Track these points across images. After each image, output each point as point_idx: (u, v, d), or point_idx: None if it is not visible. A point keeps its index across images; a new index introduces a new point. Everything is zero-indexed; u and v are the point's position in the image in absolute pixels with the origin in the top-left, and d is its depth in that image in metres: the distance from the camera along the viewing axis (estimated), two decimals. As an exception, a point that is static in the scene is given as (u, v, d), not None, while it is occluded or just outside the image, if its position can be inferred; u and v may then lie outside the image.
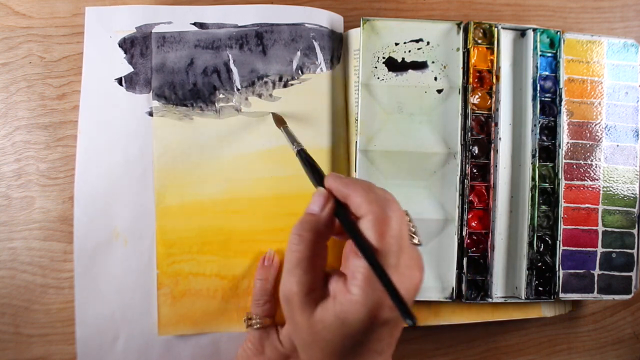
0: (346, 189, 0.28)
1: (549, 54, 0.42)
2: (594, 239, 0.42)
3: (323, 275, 0.28)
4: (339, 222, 0.28)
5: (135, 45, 0.41)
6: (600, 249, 0.42)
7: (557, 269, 0.41)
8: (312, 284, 0.27)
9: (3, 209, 0.41)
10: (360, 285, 0.25)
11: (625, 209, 0.42)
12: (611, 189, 0.42)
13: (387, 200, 0.27)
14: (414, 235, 0.29)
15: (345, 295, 0.26)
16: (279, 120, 0.39)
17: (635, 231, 0.42)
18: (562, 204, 0.41)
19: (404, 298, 0.24)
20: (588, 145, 0.42)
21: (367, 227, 0.26)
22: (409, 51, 0.41)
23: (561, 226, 0.41)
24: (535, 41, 0.41)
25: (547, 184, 0.41)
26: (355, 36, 0.42)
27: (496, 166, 0.41)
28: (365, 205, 0.26)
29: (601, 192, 0.42)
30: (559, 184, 0.41)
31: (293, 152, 0.34)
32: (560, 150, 0.41)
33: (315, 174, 0.31)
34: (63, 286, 0.41)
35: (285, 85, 0.41)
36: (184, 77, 0.41)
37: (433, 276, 0.41)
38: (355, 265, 0.26)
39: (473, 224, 0.41)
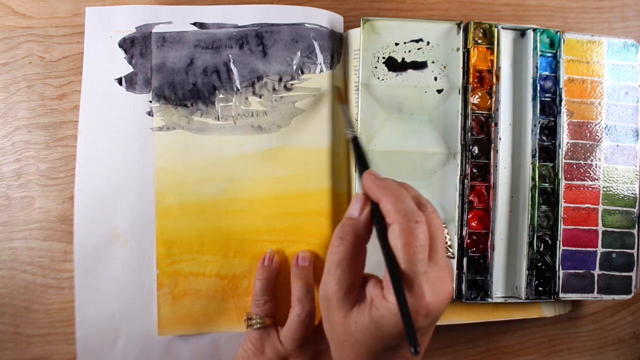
0: (378, 193, 0.29)
1: (549, 54, 0.42)
2: (594, 239, 0.42)
3: (361, 277, 0.29)
4: (374, 226, 0.29)
5: (135, 45, 0.40)
6: (600, 249, 0.42)
7: (557, 269, 0.41)
8: (351, 284, 0.28)
9: (3, 209, 0.41)
10: None
11: (625, 209, 0.42)
12: (611, 189, 0.42)
13: (415, 212, 0.27)
14: (448, 248, 0.30)
15: (381, 302, 0.27)
16: (341, 98, 0.40)
17: (635, 231, 0.42)
18: (562, 204, 0.41)
19: (433, 312, 0.26)
20: (588, 145, 0.42)
21: (394, 237, 0.27)
22: (409, 51, 0.41)
23: (561, 226, 0.41)
24: (535, 41, 0.41)
25: (547, 184, 0.41)
26: (355, 36, 0.42)
27: (496, 166, 0.41)
28: (392, 215, 0.27)
29: (601, 192, 0.42)
30: (559, 184, 0.41)
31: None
32: (560, 150, 0.41)
33: (360, 164, 0.32)
34: (63, 286, 0.41)
35: (285, 86, 0.41)
36: (183, 77, 0.41)
37: (433, 276, 0.41)
38: None
39: (473, 224, 0.41)
